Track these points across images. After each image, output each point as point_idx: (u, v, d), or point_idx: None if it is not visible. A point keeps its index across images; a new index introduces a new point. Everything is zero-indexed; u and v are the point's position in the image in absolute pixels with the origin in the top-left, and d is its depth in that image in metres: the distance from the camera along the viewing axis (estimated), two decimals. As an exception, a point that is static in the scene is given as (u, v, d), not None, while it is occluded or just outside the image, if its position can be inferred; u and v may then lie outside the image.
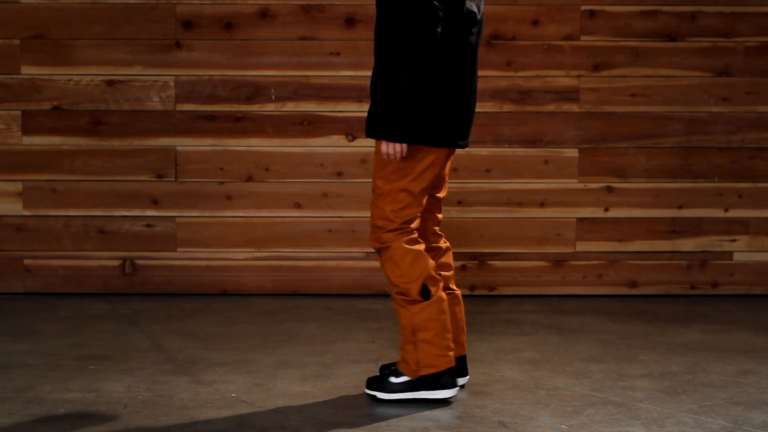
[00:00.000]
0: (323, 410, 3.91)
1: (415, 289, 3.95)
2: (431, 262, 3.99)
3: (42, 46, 5.69)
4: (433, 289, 3.96)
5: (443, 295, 3.99)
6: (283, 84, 5.73)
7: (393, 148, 3.87)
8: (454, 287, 4.16)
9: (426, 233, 4.13)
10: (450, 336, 4.00)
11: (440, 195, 4.16)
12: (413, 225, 4.00)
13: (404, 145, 3.87)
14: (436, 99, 3.89)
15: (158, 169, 5.74)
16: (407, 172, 3.94)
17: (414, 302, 3.96)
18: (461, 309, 4.17)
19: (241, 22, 5.70)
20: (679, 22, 5.74)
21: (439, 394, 3.99)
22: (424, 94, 3.86)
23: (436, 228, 4.16)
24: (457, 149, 4.37)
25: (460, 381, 4.17)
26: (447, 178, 4.17)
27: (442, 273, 4.13)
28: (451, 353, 4.00)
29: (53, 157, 5.73)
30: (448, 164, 4.13)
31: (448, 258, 4.18)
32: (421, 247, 4.00)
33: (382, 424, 3.75)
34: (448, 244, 4.19)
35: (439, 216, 4.17)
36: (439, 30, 3.81)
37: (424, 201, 4.01)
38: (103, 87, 5.71)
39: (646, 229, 5.82)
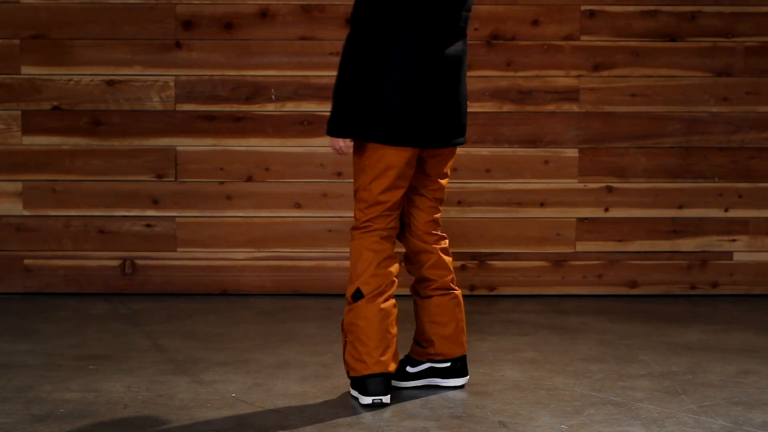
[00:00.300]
0: (323, 410, 3.91)
1: (350, 290, 3.97)
2: (381, 271, 3.94)
3: (42, 46, 5.69)
4: (366, 295, 3.92)
5: (382, 304, 3.93)
6: (283, 84, 5.73)
7: (336, 143, 3.91)
8: (455, 287, 4.15)
9: (418, 233, 4.10)
10: (380, 344, 3.91)
11: (433, 195, 4.10)
12: (378, 225, 3.97)
13: (347, 142, 3.89)
14: (384, 96, 3.86)
15: (158, 169, 5.74)
16: (366, 171, 3.95)
17: (347, 302, 3.99)
18: (461, 309, 4.16)
19: (241, 22, 5.70)
20: (679, 22, 5.74)
21: (360, 398, 3.97)
22: (369, 91, 3.85)
23: (432, 230, 4.11)
24: (457, 148, 4.33)
25: (460, 381, 4.17)
26: (440, 179, 4.09)
27: (441, 279, 4.10)
28: (376, 360, 3.91)
29: (53, 157, 5.73)
30: (448, 164, 4.10)
31: (444, 260, 4.12)
32: (381, 252, 3.95)
33: (382, 424, 3.75)
34: (444, 245, 4.14)
35: (435, 216, 4.12)
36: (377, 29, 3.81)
37: (391, 200, 3.96)
38: (103, 87, 5.71)
39: (646, 229, 5.82)
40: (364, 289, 3.93)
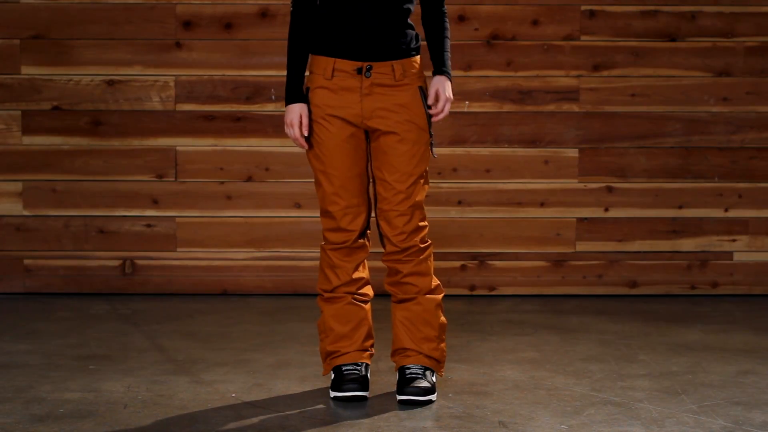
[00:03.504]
0: (323, 410, 3.91)
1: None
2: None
3: (42, 46, 5.69)
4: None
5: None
6: (283, 84, 5.71)
7: None
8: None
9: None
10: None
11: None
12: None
13: None
14: None
15: (158, 169, 5.74)
16: None
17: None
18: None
19: (241, 22, 5.71)
20: (679, 22, 5.74)
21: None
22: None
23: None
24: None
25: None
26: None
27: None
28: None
29: (53, 157, 5.73)
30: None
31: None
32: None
33: (382, 423, 3.75)
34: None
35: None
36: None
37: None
38: (103, 87, 5.71)
39: (646, 229, 5.82)
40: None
